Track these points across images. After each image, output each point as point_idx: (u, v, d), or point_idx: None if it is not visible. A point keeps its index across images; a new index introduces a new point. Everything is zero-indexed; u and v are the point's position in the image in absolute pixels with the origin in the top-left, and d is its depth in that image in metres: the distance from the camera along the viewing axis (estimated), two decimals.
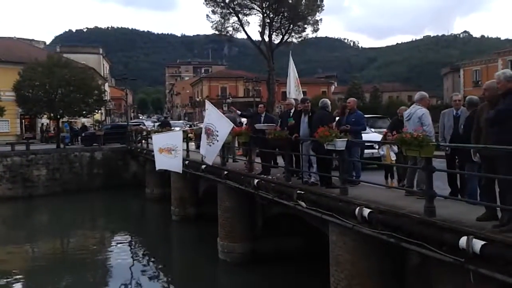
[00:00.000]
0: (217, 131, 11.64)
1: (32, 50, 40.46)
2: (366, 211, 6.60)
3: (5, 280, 12.05)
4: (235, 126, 12.66)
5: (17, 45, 44.22)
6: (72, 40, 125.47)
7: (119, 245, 16.28)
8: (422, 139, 5.81)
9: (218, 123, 11.77)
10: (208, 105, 13.02)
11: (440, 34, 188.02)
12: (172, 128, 24.88)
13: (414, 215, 5.96)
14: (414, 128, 6.68)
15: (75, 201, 23.53)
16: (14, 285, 12.02)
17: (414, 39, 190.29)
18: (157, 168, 14.86)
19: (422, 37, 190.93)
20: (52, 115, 28.71)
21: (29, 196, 24.11)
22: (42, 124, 37.38)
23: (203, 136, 12.34)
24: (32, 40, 58.86)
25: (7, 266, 13.91)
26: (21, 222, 20.41)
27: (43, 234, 18.40)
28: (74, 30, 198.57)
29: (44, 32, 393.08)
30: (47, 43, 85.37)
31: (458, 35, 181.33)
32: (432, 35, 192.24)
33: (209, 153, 12.14)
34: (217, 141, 11.73)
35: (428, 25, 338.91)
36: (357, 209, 6.77)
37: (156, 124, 36.88)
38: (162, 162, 14.25)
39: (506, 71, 5.35)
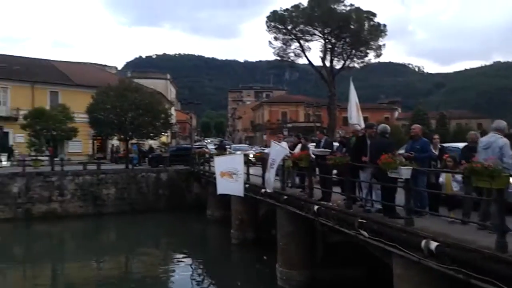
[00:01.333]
0: (273, 159, 12.04)
1: (104, 75, 43.20)
2: (433, 244, 6.31)
3: None
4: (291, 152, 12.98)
5: (91, 70, 47.42)
6: (142, 66, 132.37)
7: (180, 265, 16.64)
8: (494, 169, 5.54)
9: (274, 152, 12.16)
10: (272, 143, 13.47)
11: (510, 60, 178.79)
12: (229, 151, 25.46)
13: (485, 250, 5.66)
14: (494, 158, 6.39)
15: (140, 221, 24.44)
16: None
17: (483, 65, 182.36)
18: (218, 192, 14.99)
19: (492, 63, 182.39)
20: (122, 136, 30.28)
21: (98, 213, 25.33)
22: (112, 145, 39.43)
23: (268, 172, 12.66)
24: (105, 65, 62.82)
25: (74, 280, 14.75)
26: (90, 239, 21.47)
27: (110, 250, 19.27)
28: (144, 57, 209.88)
29: (116, 58, 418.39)
30: (119, 68, 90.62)
31: None
32: (502, 61, 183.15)
33: (269, 178, 12.41)
34: (272, 168, 12.09)
35: (497, 51, 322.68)
36: (423, 242, 6.49)
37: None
38: (224, 186, 14.45)
39: None
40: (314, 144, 13.62)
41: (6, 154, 32.83)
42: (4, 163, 30.80)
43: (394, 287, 7.54)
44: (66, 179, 25.41)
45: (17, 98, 36.36)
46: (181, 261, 17.24)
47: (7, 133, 35.38)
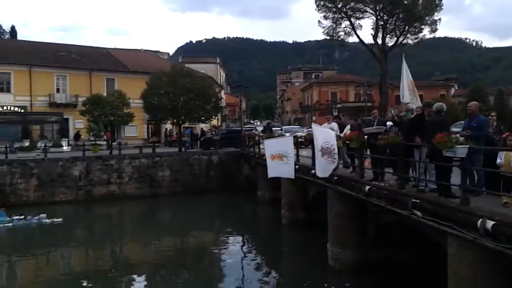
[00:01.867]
0: (332, 145, 11.87)
1: (157, 61, 44.36)
2: (490, 223, 6.16)
3: (130, 273, 13.49)
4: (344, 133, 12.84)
5: (144, 56, 48.77)
6: (192, 50, 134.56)
7: (232, 246, 17.02)
8: None
9: (330, 138, 12.00)
10: (314, 127, 13.27)
11: None
12: (279, 133, 25.47)
13: None
14: None
15: (194, 202, 25.19)
16: (137, 277, 13.28)
17: None
18: (269, 175, 15.08)
19: None
20: (175, 121, 31.12)
21: (154, 195, 26.33)
22: (166, 129, 40.62)
23: (320, 158, 12.39)
24: (158, 51, 64.38)
25: (132, 260, 15.59)
26: (147, 219, 22.43)
27: (165, 231, 20.08)
28: (194, 41, 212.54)
29: (168, 44, 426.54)
30: (171, 54, 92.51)
31: None
32: None
33: (333, 167, 12.26)
34: (335, 153, 11.95)
35: None
36: (479, 221, 6.34)
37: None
38: (274, 169, 14.56)
39: None
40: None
41: (67, 139, 34.64)
42: (65, 147, 32.55)
43: (449, 266, 7.41)
44: (124, 163, 26.53)
45: (75, 86, 38.10)
46: (233, 241, 17.67)
47: (67, 119, 37.22)
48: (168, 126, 38.87)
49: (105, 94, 35.23)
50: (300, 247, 15.74)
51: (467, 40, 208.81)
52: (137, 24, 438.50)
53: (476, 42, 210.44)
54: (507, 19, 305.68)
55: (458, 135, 7.86)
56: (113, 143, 30.70)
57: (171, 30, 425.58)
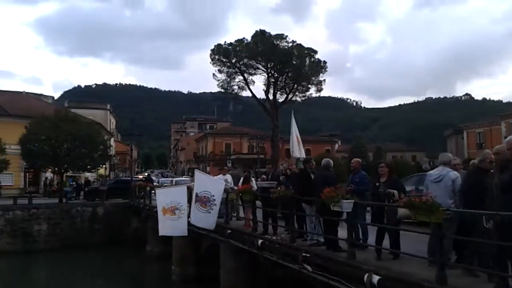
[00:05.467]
0: (213, 195, 11.86)
1: (40, 105, 41.33)
2: (376, 278, 6.35)
3: None
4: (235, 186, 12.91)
5: (25, 99, 45.13)
6: (80, 95, 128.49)
7: None
8: (432, 203, 5.68)
9: (211, 187, 12.03)
10: (197, 174, 13.30)
11: (442, 96, 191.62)
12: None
13: (425, 283, 5.72)
14: (445, 192, 6.58)
15: (74, 257, 22.98)
16: None
17: (416, 101, 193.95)
18: (160, 233, 14.23)
19: (424, 99, 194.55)
20: (56, 169, 28.79)
21: (28, 251, 23.63)
22: (46, 178, 37.37)
23: (196, 206, 12.33)
24: (41, 95, 60.15)
25: None
26: (19, 279, 19.82)
27: None
28: (83, 86, 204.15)
29: (55, 88, 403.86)
30: (56, 98, 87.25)
31: (460, 98, 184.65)
32: (434, 97, 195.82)
33: (210, 218, 12.13)
34: (215, 204, 11.95)
35: (430, 87, 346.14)
36: (365, 276, 6.51)
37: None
38: (166, 226, 13.82)
39: None
40: (264, 176, 13.56)
41: None
42: None
43: None
44: None
45: None
46: None
47: None
48: (49, 174, 35.83)
49: None
50: None
51: (349, 100, 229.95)
52: (20, 65, 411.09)
53: (356, 102, 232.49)
54: (383, 82, 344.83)
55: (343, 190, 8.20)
56: None
57: (58, 74, 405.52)
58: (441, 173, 6.96)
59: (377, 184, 8.02)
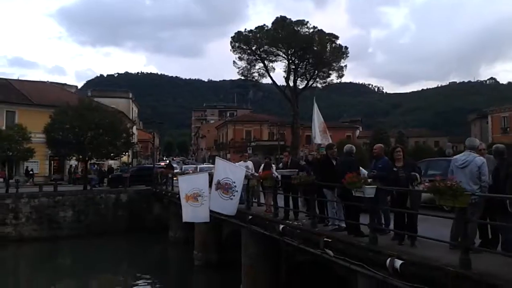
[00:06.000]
0: (234, 182, 11.89)
1: (64, 94, 41.93)
2: (398, 262, 6.30)
3: None
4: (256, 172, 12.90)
5: (49, 89, 45.89)
6: (103, 85, 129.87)
7: None
8: (457, 188, 5.58)
9: (232, 174, 12.08)
10: (218, 161, 13.32)
11: (466, 81, 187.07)
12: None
13: (449, 268, 5.65)
14: (470, 178, 6.46)
15: (99, 244, 23.53)
16: None
17: (439, 85, 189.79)
18: (184, 220, 14.34)
19: (448, 83, 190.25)
20: (80, 157, 29.32)
21: (54, 237, 24.24)
22: (71, 165, 38.11)
23: (217, 192, 12.34)
24: (65, 84, 61.11)
25: None
26: (45, 264, 20.42)
27: (65, 277, 18.34)
28: (105, 75, 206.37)
29: (77, 77, 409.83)
30: (79, 87, 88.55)
31: (484, 82, 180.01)
32: (458, 82, 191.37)
33: (232, 205, 12.18)
34: (237, 191, 11.98)
35: (454, 72, 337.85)
36: (388, 260, 6.47)
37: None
38: (189, 212, 13.90)
39: None
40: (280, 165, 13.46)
41: None
42: None
43: None
44: (21, 202, 24.27)
45: None
46: (142, 285, 16.60)
47: None
48: (73, 162, 36.53)
49: (4, 128, 32.33)
50: None
51: (370, 86, 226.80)
52: (44, 55, 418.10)
53: (378, 87, 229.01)
54: (406, 67, 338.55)
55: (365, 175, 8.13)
56: (11, 180, 27.99)
57: (81, 63, 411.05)
58: (467, 159, 6.81)
59: (395, 169, 7.85)
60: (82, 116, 27.54)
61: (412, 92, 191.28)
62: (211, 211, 13.32)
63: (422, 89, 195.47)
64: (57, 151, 30.18)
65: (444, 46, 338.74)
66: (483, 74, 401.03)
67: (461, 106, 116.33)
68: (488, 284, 5.00)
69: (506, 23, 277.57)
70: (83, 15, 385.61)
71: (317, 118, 15.19)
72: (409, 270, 6.16)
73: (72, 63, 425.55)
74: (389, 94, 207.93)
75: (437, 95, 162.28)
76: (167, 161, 51.39)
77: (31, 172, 34.77)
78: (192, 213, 13.57)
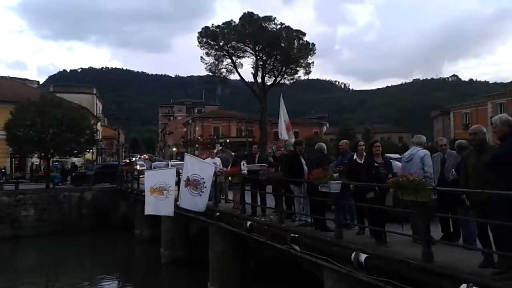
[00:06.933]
0: (203, 178, 11.81)
1: (25, 90, 40.56)
2: (363, 256, 6.42)
3: None
4: (223, 168, 12.89)
5: (10, 84, 44.25)
6: (66, 80, 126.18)
7: None
8: (419, 182, 5.71)
9: (200, 170, 11.99)
10: (187, 157, 13.25)
11: (429, 78, 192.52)
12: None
13: (412, 261, 5.79)
14: (415, 170, 6.65)
15: (62, 243, 22.88)
16: None
17: (403, 82, 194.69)
18: (146, 212, 14.08)
19: (411, 80, 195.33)
20: (42, 154, 28.46)
21: (16, 237, 23.48)
22: (32, 163, 36.94)
23: (187, 189, 12.25)
24: (26, 79, 59.11)
25: None
26: (6, 265, 19.70)
27: (27, 277, 17.72)
28: (68, 70, 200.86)
29: (39, 72, 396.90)
30: (41, 82, 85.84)
31: (447, 79, 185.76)
32: (421, 78, 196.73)
33: (201, 201, 12.09)
34: (206, 187, 11.89)
35: (417, 69, 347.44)
36: (353, 254, 6.58)
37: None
38: (153, 205, 13.74)
39: (502, 116, 5.34)
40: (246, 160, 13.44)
41: None
42: None
43: None
44: None
45: None
46: (107, 283, 16.29)
47: None
48: (35, 160, 35.41)
49: None
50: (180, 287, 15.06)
51: (337, 83, 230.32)
52: (4, 50, 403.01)
53: (345, 84, 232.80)
54: (371, 64, 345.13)
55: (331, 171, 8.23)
56: None
57: (43, 58, 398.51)
58: (412, 152, 7.35)
59: (376, 164, 7.54)
60: (44, 112, 26.70)
61: (378, 89, 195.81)
62: (178, 208, 13.21)
63: (387, 86, 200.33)
64: (18, 148, 29.18)
65: (408, 43, 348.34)
66: (446, 71, 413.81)
67: (424, 103, 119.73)
68: (450, 276, 5.14)
69: (469, 21, 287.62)
70: (45, 8, 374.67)
71: (283, 115, 15.27)
72: (373, 264, 6.28)
73: (34, 57, 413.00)
74: (355, 91, 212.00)
75: (401, 92, 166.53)
76: (127, 160, 50.53)
77: (3, 170, 33.44)
78: (156, 206, 13.46)
